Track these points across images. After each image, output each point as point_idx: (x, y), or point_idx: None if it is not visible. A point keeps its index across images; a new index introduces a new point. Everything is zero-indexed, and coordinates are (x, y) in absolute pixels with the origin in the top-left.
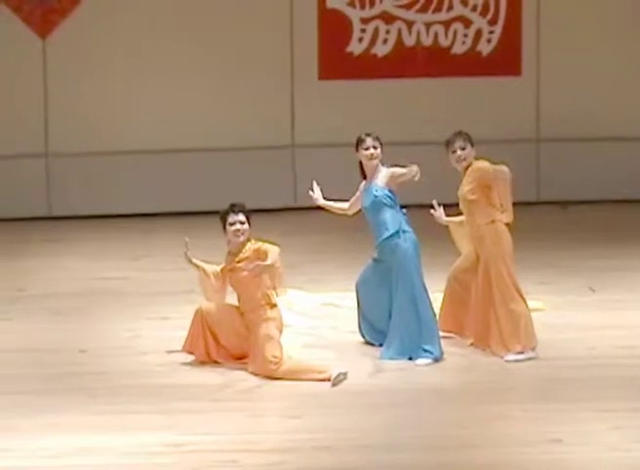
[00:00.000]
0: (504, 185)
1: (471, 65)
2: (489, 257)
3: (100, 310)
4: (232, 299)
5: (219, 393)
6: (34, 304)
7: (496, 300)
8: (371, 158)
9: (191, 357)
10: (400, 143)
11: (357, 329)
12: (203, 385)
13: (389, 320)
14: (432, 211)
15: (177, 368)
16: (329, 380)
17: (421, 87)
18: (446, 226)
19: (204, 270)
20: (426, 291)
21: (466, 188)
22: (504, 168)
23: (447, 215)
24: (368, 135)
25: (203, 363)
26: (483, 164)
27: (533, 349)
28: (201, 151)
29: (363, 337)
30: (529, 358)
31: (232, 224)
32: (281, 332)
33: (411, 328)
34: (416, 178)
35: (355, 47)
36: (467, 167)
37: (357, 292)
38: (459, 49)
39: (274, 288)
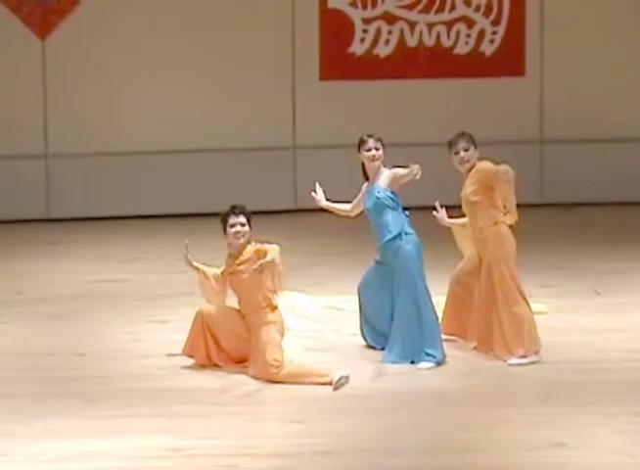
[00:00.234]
0: (507, 186)
1: (474, 65)
2: (492, 259)
3: (99, 313)
4: (232, 302)
5: (220, 396)
6: (32, 306)
7: (499, 302)
8: (373, 159)
9: (191, 361)
10: (402, 144)
11: (359, 332)
12: (203, 388)
13: (392, 323)
14: (434, 212)
15: (177, 372)
16: (330, 384)
17: (423, 88)
18: (449, 228)
19: (204, 273)
20: (428, 293)
21: (469, 189)
22: (507, 169)
23: (450, 217)
24: (370, 136)
25: (203, 367)
26: (486, 164)
27: (537, 352)
28: (201, 152)
29: (365, 340)
30: (533, 362)
31: (232, 226)
32: (282, 335)
33: (413, 331)
34: (417, 177)
35: (357, 47)
36: (470, 169)
37: (359, 294)
38: (462, 50)
39: (275, 289)
